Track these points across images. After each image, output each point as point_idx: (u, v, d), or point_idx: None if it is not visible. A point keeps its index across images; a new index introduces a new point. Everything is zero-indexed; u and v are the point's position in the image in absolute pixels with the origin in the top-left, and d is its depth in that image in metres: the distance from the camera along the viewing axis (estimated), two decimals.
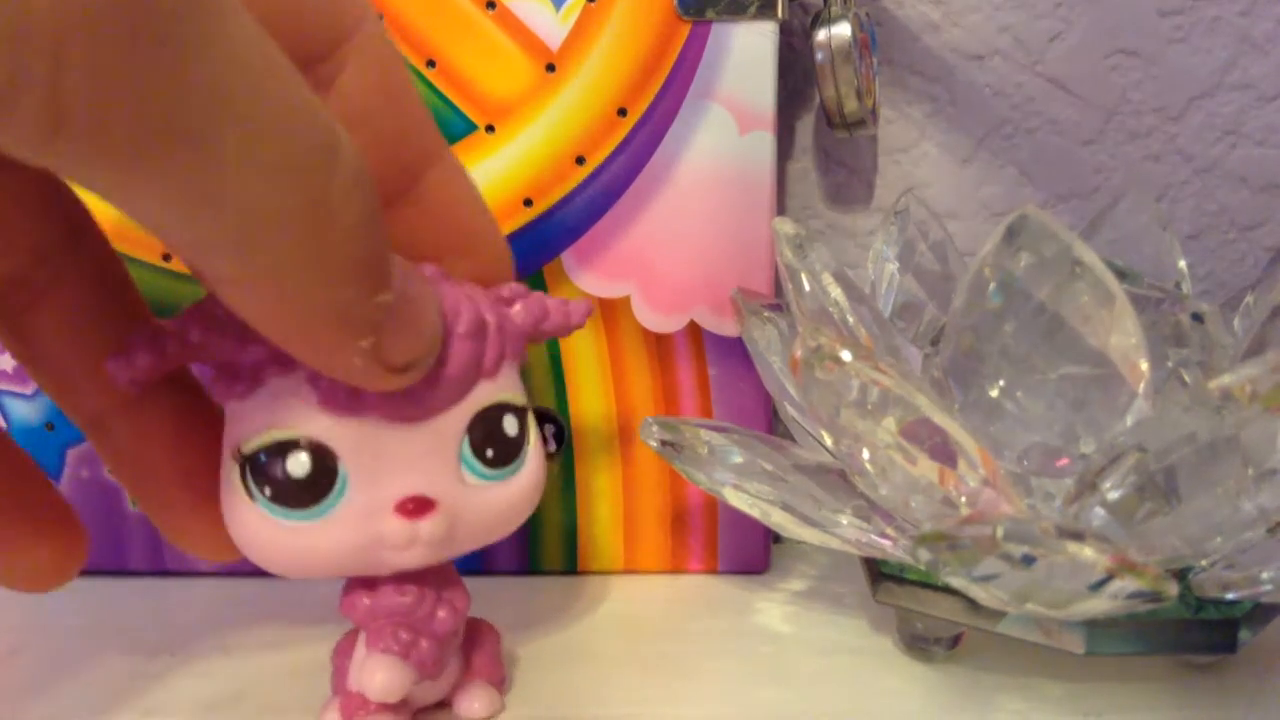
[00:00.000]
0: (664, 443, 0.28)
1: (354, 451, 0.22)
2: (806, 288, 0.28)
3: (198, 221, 0.16)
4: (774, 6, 0.31)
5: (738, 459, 0.27)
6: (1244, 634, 0.25)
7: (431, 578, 0.24)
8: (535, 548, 0.34)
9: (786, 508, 0.27)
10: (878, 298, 0.32)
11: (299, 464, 0.21)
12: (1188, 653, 0.26)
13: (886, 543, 0.26)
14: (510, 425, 0.23)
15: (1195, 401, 0.21)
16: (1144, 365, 0.24)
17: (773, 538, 0.35)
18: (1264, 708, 0.26)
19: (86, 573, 0.34)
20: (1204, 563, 0.25)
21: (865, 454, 0.24)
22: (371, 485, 0.22)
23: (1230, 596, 0.24)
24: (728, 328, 0.32)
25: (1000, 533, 0.21)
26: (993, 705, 0.26)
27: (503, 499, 0.23)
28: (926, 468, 0.23)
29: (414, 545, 0.22)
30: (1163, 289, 0.29)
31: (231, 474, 0.22)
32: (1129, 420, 0.24)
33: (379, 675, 0.23)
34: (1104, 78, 0.38)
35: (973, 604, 0.26)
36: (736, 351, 0.32)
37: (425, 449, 0.22)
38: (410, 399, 0.22)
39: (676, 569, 0.34)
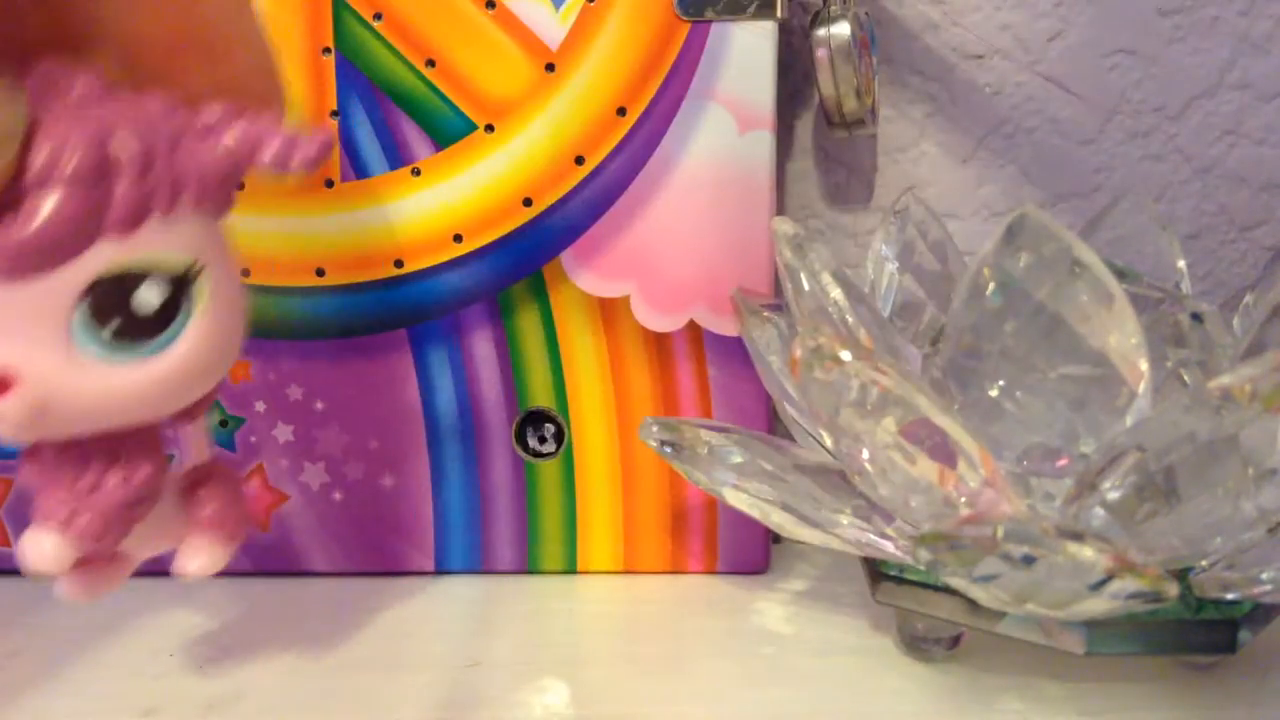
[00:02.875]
0: (664, 443, 0.28)
1: None
2: (806, 287, 0.28)
3: None
4: (773, 6, 0.31)
5: (738, 459, 0.27)
6: (1244, 634, 0.25)
7: (107, 444, 0.21)
8: (535, 548, 0.34)
9: (786, 508, 0.27)
10: (877, 297, 0.32)
11: (148, 295, 0.19)
12: (1188, 653, 0.26)
13: (886, 543, 0.26)
14: (149, 295, 0.19)
15: (1195, 401, 0.21)
16: (1144, 365, 0.24)
17: (773, 538, 0.35)
18: (1264, 708, 0.26)
19: None
20: (1204, 563, 0.25)
21: (865, 454, 0.24)
22: None
23: (1230, 596, 0.24)
24: (727, 327, 0.32)
25: (1000, 533, 0.21)
26: (993, 705, 0.26)
27: (134, 381, 0.20)
28: (926, 468, 0.23)
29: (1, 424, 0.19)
30: (1162, 289, 0.29)
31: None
32: (1129, 420, 0.24)
33: (29, 550, 0.21)
34: (1104, 77, 0.38)
35: (973, 604, 0.26)
36: (736, 351, 0.32)
37: (21, 315, 0.19)
38: (9, 254, 0.18)
39: (676, 569, 0.34)
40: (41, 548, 0.21)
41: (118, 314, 0.19)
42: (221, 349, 0.21)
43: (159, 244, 0.19)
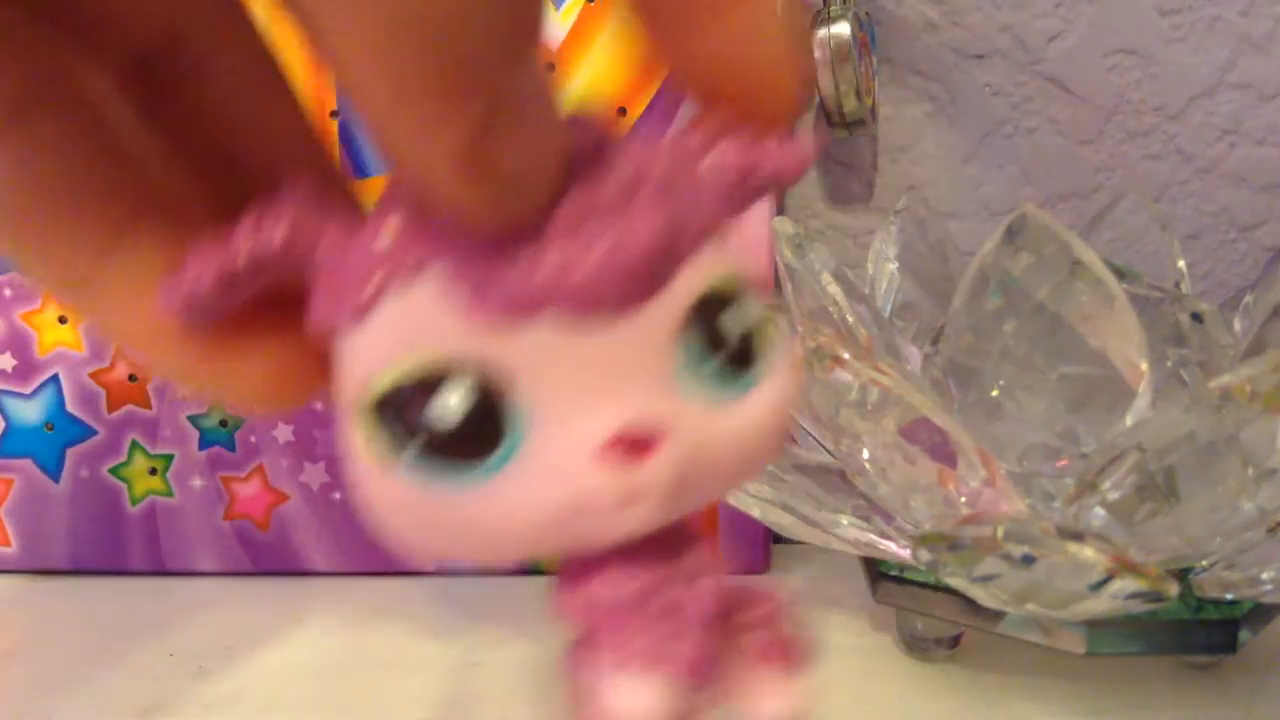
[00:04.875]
0: None
1: (532, 373, 0.14)
2: (806, 287, 0.28)
3: None
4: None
5: None
6: (1244, 634, 0.25)
7: (664, 541, 0.16)
8: None
9: (786, 508, 0.27)
10: (877, 297, 0.32)
11: (455, 401, 0.14)
12: (1188, 653, 0.26)
13: (887, 543, 0.26)
14: (736, 318, 0.16)
15: (1195, 401, 0.21)
16: (1144, 365, 0.24)
17: (773, 538, 0.35)
18: (1264, 708, 0.26)
19: (86, 573, 0.35)
20: (1204, 563, 0.25)
21: (865, 454, 0.24)
22: (562, 421, 0.15)
23: (1230, 596, 0.24)
24: None
25: (1000, 533, 0.21)
26: (993, 705, 0.26)
27: (747, 422, 0.16)
28: (926, 468, 0.23)
29: (634, 503, 0.15)
30: (1163, 289, 0.29)
31: (356, 433, 0.15)
32: (1129, 420, 0.24)
33: (630, 704, 0.16)
34: (1104, 77, 0.38)
35: (973, 604, 0.26)
36: None
37: (630, 361, 0.15)
38: (598, 284, 0.14)
39: None
40: (635, 702, 0.16)
41: (717, 343, 0.16)
42: (793, 389, 0.17)
43: (719, 267, 0.16)
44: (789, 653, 0.18)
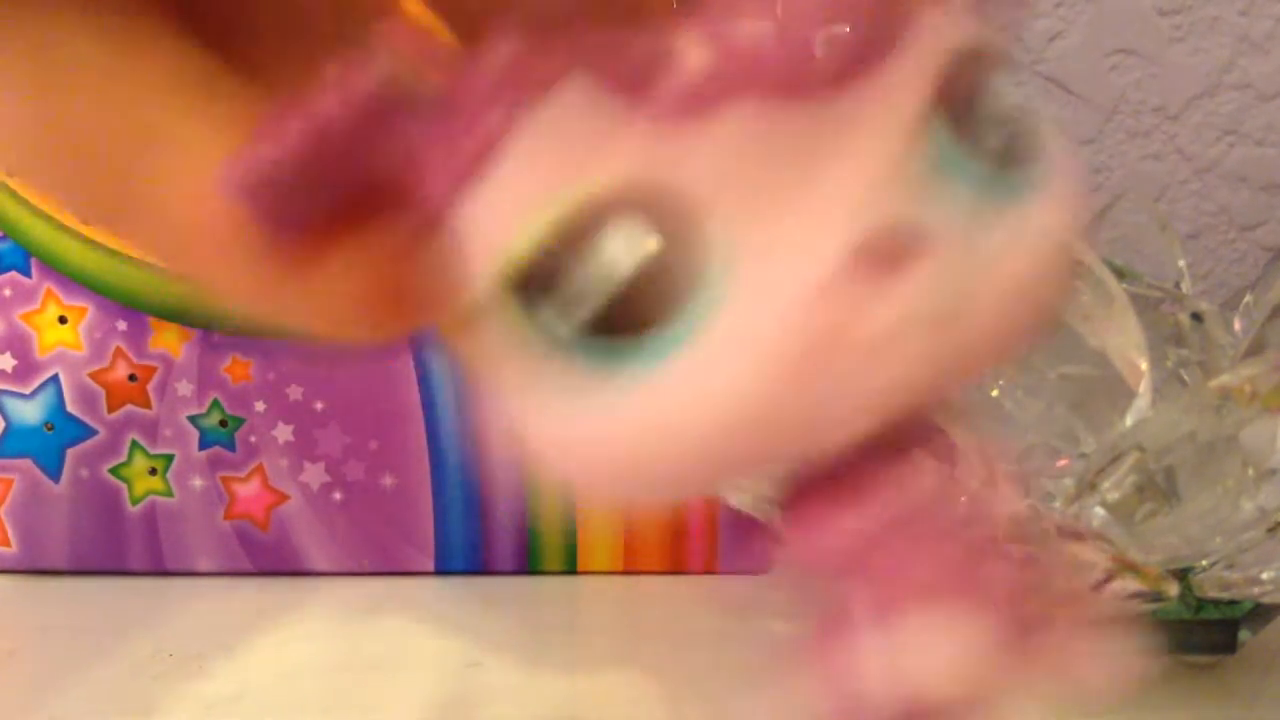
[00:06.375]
0: None
1: (724, 198, 0.10)
2: None
3: None
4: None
5: None
6: (1244, 634, 0.25)
7: (922, 440, 0.12)
8: (535, 548, 0.34)
9: None
10: None
11: (624, 246, 0.10)
12: (1188, 653, 0.26)
13: None
14: (1002, 92, 0.11)
15: (1195, 401, 0.21)
16: (1144, 365, 0.24)
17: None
18: (1264, 708, 0.26)
19: (86, 573, 0.35)
20: (1204, 563, 0.25)
21: None
22: (781, 243, 0.10)
23: (1230, 596, 0.24)
24: None
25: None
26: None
27: (1031, 234, 0.11)
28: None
29: (898, 337, 0.10)
30: (1163, 289, 0.29)
31: (492, 327, 0.11)
32: (1129, 420, 0.24)
33: (942, 654, 0.11)
34: (1104, 77, 0.38)
35: None
36: None
37: (861, 160, 0.10)
38: (802, 48, 0.10)
39: (676, 569, 0.34)
40: (948, 643, 0.11)
41: (985, 120, 0.11)
42: (1073, 214, 0.12)
43: (969, 19, 0.11)
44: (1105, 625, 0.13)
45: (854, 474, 0.11)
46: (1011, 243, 0.11)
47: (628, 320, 0.10)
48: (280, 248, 0.11)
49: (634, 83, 0.10)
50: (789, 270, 0.10)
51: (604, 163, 0.10)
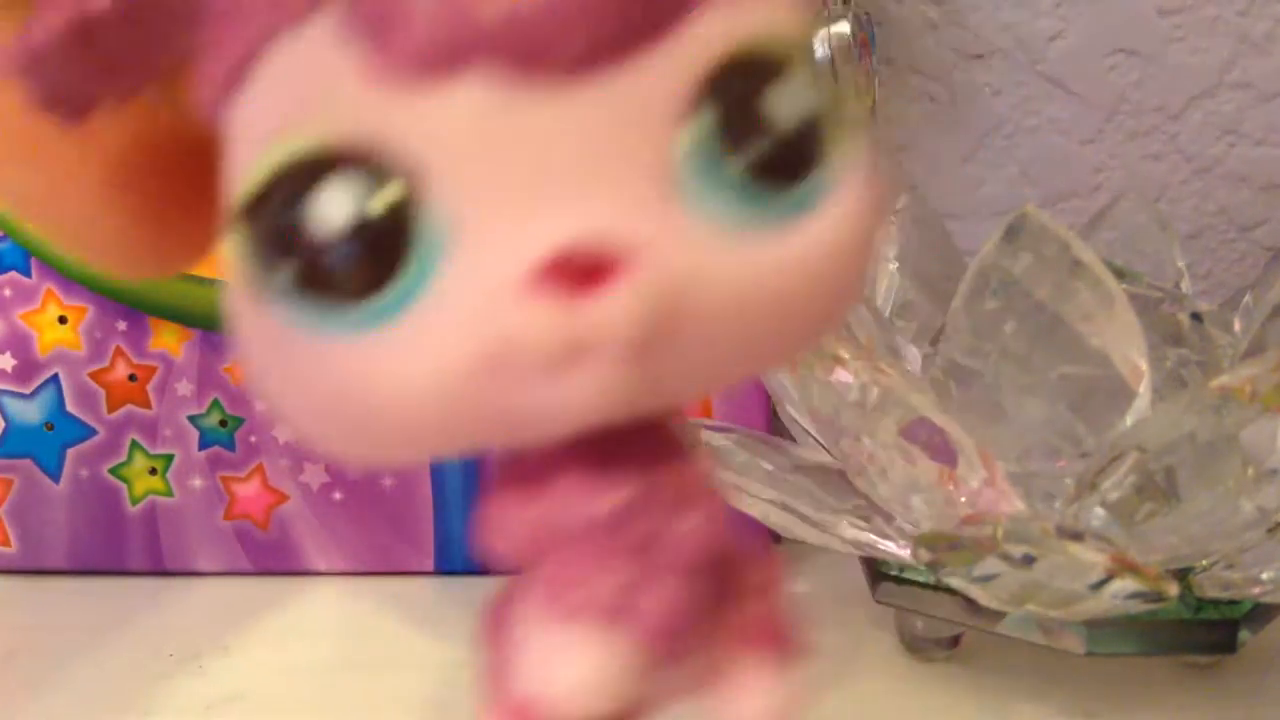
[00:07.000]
0: None
1: (453, 164, 0.10)
2: None
3: None
4: None
5: (738, 459, 0.27)
6: (1244, 634, 0.25)
7: (644, 451, 0.12)
8: None
9: (786, 508, 0.27)
10: (877, 297, 0.32)
11: (340, 202, 0.10)
12: (1188, 653, 0.26)
13: (887, 543, 0.26)
14: (785, 99, 0.10)
15: (1195, 401, 0.22)
16: (1144, 365, 0.24)
17: (772, 538, 0.35)
18: (1264, 708, 0.26)
19: (86, 573, 0.35)
20: (1204, 563, 0.25)
21: (865, 454, 0.24)
22: (495, 231, 0.10)
23: (1230, 596, 0.24)
24: None
25: (1000, 533, 0.21)
26: (993, 706, 0.26)
27: (786, 259, 0.10)
28: (926, 468, 0.23)
29: (580, 359, 0.10)
30: (1162, 289, 0.29)
31: (230, 252, 0.11)
32: (1129, 420, 0.24)
33: (570, 668, 0.11)
34: (1104, 77, 0.38)
35: (973, 604, 0.26)
36: None
37: (601, 149, 0.10)
38: (554, 17, 0.09)
39: None
40: (585, 664, 0.11)
41: (746, 133, 0.10)
42: (870, 223, 0.11)
43: (764, 16, 0.10)
44: (781, 637, 0.13)
45: (549, 472, 0.11)
46: (776, 259, 0.10)
47: (339, 281, 0.10)
48: (56, 134, 0.11)
49: (377, 29, 0.09)
50: (493, 262, 0.10)
51: (336, 111, 0.10)
